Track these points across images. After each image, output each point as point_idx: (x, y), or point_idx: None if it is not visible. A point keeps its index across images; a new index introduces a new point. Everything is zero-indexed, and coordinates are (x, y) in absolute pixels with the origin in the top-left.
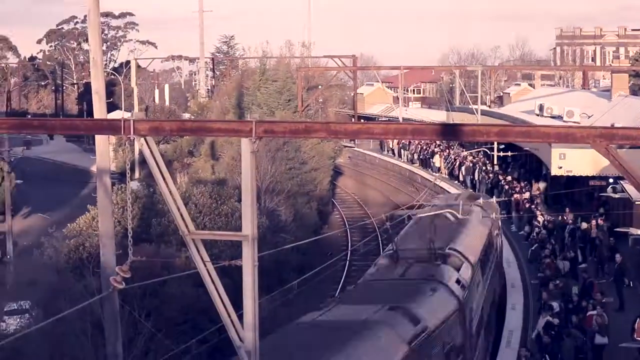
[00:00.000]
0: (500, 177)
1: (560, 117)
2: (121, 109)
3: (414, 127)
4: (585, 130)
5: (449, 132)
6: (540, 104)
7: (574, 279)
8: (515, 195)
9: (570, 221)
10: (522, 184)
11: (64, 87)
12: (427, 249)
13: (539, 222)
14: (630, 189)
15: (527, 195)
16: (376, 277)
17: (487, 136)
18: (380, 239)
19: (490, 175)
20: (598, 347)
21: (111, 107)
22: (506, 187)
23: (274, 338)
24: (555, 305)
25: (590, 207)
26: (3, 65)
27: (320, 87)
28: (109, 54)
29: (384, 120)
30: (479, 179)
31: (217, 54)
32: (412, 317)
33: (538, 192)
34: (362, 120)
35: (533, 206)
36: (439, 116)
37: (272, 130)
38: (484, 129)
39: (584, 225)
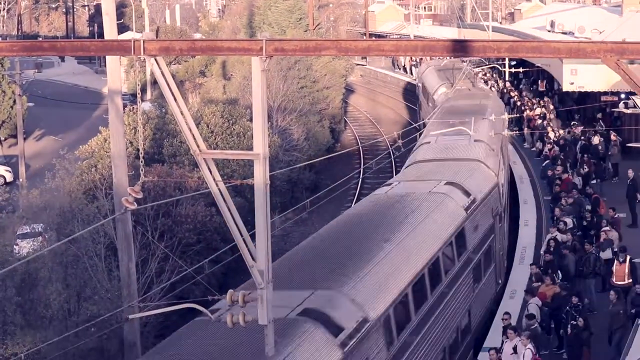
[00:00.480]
0: (512, 94)
1: (571, 33)
2: (132, 30)
3: (425, 44)
4: (596, 45)
5: (460, 48)
6: (551, 20)
7: (585, 196)
8: (527, 112)
9: (582, 137)
10: (534, 100)
11: (75, 9)
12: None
13: (549, 138)
14: None
15: (538, 111)
16: (424, 158)
17: (497, 52)
18: (392, 156)
19: (503, 91)
20: (605, 261)
21: (122, 28)
22: (518, 103)
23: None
24: (569, 221)
25: (602, 123)
26: None
27: (331, 5)
28: None
29: (395, 38)
30: None
31: None
32: (464, 190)
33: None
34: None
35: (544, 122)
36: (450, 33)
37: (283, 49)
38: (495, 44)
39: (595, 140)
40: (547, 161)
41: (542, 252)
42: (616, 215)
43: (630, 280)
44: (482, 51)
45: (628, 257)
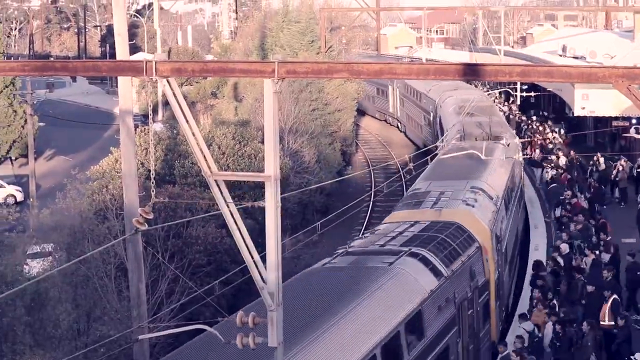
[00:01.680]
0: (523, 118)
1: (583, 58)
2: (144, 51)
3: (437, 67)
4: (608, 70)
5: (472, 72)
6: (563, 45)
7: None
8: (537, 136)
9: (592, 162)
10: (545, 125)
11: (87, 30)
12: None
13: (558, 163)
14: None
15: (549, 135)
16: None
17: (509, 76)
18: (403, 179)
19: (511, 116)
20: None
21: (134, 49)
22: (527, 127)
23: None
24: (564, 246)
25: (612, 148)
26: (26, 7)
27: (343, 28)
28: None
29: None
30: None
31: None
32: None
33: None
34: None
35: (554, 147)
36: (462, 57)
37: (295, 71)
38: (507, 68)
39: (603, 165)
40: (553, 184)
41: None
42: (608, 238)
43: (612, 323)
44: (494, 75)
45: (612, 297)
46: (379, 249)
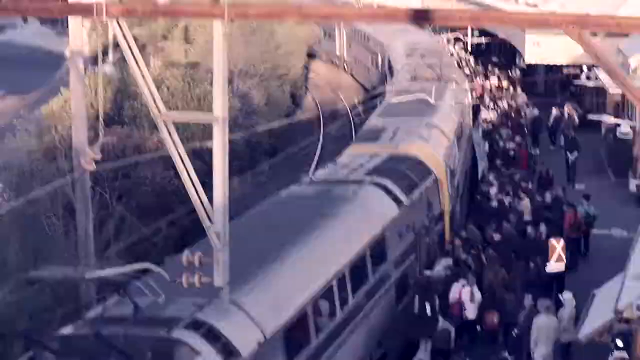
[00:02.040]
0: (472, 64)
1: (535, 5)
2: None
3: (387, 11)
4: (559, 17)
5: (423, 16)
6: None
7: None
8: (480, 82)
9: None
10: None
11: None
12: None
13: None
14: (604, 77)
15: (495, 81)
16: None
17: (460, 20)
18: (352, 123)
19: (462, 62)
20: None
21: None
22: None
23: None
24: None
25: (563, 95)
26: None
27: None
28: None
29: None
30: None
31: None
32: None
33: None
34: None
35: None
36: (412, 2)
37: (245, 13)
38: (458, 13)
39: (554, 111)
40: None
41: None
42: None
43: None
44: (444, 19)
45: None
46: (343, 178)
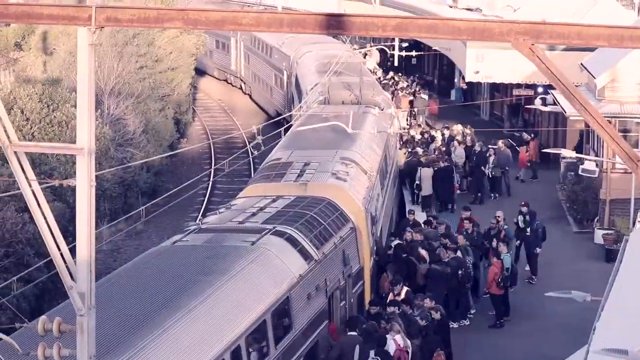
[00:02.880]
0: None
1: (478, 10)
2: None
3: (293, 17)
4: (506, 25)
5: (336, 24)
6: None
7: None
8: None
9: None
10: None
11: None
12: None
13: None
14: (563, 101)
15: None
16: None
17: (382, 30)
18: (250, 156)
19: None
20: None
21: None
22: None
23: None
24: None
25: (513, 123)
26: None
27: None
28: None
29: (258, 10)
30: None
31: None
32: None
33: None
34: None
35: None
36: (327, 5)
37: (117, 18)
38: (380, 21)
39: (501, 144)
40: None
41: None
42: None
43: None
44: (363, 28)
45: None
46: (238, 226)
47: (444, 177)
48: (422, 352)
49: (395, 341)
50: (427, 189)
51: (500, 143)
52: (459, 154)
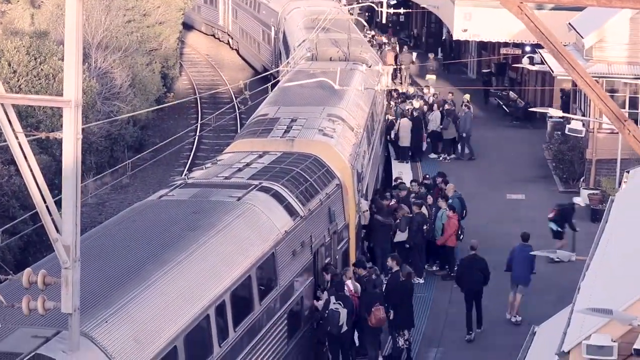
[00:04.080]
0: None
1: None
2: None
3: None
4: None
5: None
6: None
7: None
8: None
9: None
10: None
11: None
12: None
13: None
14: (550, 60)
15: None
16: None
17: None
18: (237, 110)
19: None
20: None
21: None
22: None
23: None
24: None
25: (500, 82)
26: None
27: None
28: None
29: None
30: None
31: None
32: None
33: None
34: None
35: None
36: None
37: None
38: None
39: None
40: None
41: None
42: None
43: None
44: None
45: None
46: (224, 181)
47: (413, 128)
48: (361, 305)
49: (347, 285)
50: (404, 140)
51: (463, 106)
52: (433, 119)
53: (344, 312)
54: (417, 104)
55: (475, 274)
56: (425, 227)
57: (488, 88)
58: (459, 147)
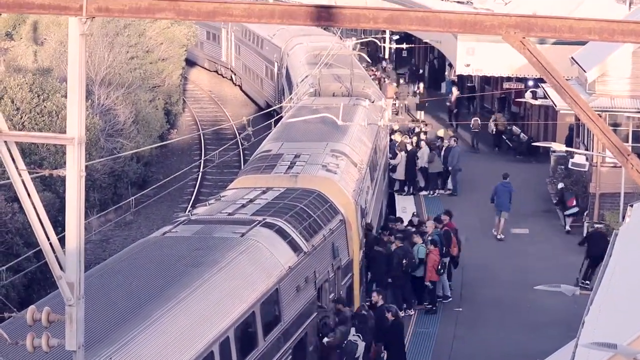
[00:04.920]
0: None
1: (470, 3)
2: None
3: (284, 9)
4: (497, 18)
5: (327, 16)
6: None
7: None
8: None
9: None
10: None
11: None
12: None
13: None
14: (553, 94)
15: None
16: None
17: (374, 22)
18: (240, 146)
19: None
20: None
21: None
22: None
23: None
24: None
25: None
26: None
27: None
28: None
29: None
30: None
31: None
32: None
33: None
34: None
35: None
36: None
37: (108, 8)
38: (371, 12)
39: (450, 141)
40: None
41: None
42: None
43: None
44: (354, 20)
45: None
46: (228, 217)
47: (407, 163)
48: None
49: None
50: (399, 174)
51: (451, 141)
52: (421, 155)
53: (361, 345)
54: (404, 138)
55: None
56: (404, 262)
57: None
58: (449, 181)
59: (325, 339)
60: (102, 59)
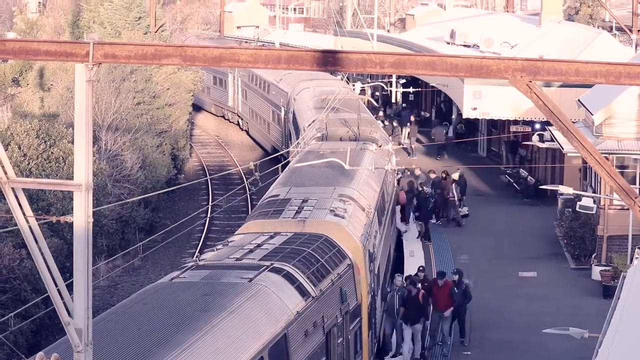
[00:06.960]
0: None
1: (476, 47)
2: None
3: (290, 54)
4: (503, 62)
5: (333, 61)
6: (452, 30)
7: None
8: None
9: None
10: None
11: None
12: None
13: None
14: (560, 137)
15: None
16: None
17: (380, 67)
18: (248, 192)
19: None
20: None
21: None
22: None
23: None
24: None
25: (510, 159)
26: None
27: (178, 2)
28: None
29: (256, 46)
30: None
31: None
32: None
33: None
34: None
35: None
36: (325, 42)
37: (114, 55)
38: (377, 57)
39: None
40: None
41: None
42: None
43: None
44: (361, 65)
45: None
46: (236, 262)
47: (419, 202)
48: None
49: None
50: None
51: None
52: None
53: None
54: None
55: None
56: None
57: (498, 166)
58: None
59: None
60: (109, 104)
